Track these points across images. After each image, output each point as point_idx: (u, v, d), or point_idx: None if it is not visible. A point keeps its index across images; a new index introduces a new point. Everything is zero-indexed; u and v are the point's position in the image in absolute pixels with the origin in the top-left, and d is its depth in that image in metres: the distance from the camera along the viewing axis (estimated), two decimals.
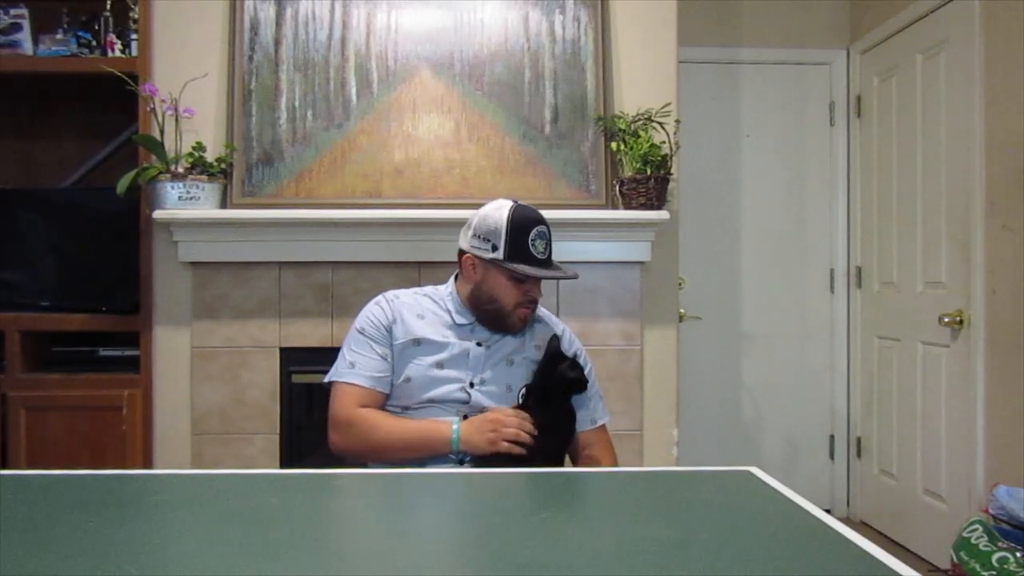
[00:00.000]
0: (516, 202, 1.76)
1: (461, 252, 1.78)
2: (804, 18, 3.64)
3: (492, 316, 1.75)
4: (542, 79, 2.65)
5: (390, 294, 1.82)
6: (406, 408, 1.74)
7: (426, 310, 1.79)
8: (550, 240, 1.75)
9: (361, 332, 1.76)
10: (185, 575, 0.91)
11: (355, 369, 1.73)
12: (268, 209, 2.51)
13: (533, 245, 1.71)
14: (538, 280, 1.77)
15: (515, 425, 1.64)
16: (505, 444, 1.62)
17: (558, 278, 1.79)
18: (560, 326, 1.89)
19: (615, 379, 2.59)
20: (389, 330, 1.75)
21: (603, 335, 2.62)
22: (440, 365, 1.73)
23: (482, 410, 1.72)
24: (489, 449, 1.63)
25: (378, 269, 2.57)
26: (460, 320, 1.78)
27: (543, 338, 1.81)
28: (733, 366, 3.68)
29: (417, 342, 1.74)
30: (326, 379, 1.77)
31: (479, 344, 1.76)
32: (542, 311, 1.89)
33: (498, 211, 1.73)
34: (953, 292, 2.90)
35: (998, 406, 2.70)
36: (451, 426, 1.66)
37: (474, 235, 1.75)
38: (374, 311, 1.78)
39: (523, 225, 1.71)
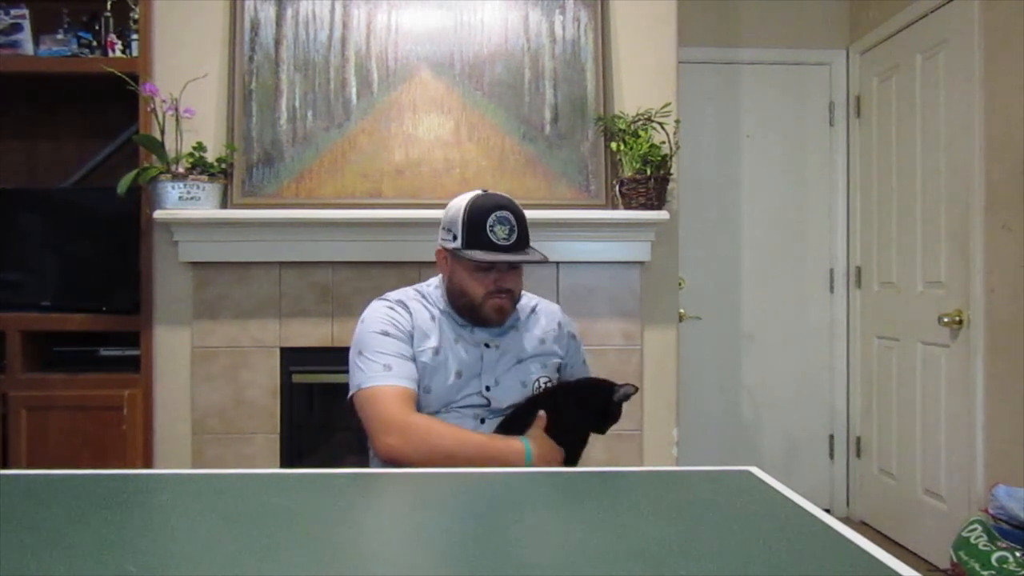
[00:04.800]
0: (484, 191, 1.70)
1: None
2: (804, 18, 3.64)
3: (468, 310, 1.69)
4: (542, 79, 2.65)
5: (393, 298, 1.74)
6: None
7: (432, 317, 1.73)
8: (518, 226, 1.64)
9: (386, 335, 1.65)
10: (185, 575, 0.91)
11: (392, 371, 1.62)
12: (268, 209, 2.51)
13: (492, 231, 1.61)
14: (513, 269, 1.67)
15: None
16: None
17: (516, 261, 1.64)
18: (558, 314, 1.86)
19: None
20: (411, 336, 1.68)
21: (603, 335, 2.62)
22: (459, 374, 1.68)
23: (504, 409, 1.69)
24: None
25: (378, 269, 2.57)
26: (460, 319, 1.74)
27: (545, 331, 1.78)
28: (733, 366, 3.68)
29: (436, 351, 1.68)
30: (357, 387, 1.63)
31: (487, 345, 1.73)
32: (541, 303, 1.86)
33: (460, 200, 1.68)
34: (952, 292, 2.90)
35: (998, 406, 2.70)
36: (523, 445, 1.57)
37: (442, 227, 1.71)
38: (393, 316, 1.69)
39: (480, 211, 1.63)
